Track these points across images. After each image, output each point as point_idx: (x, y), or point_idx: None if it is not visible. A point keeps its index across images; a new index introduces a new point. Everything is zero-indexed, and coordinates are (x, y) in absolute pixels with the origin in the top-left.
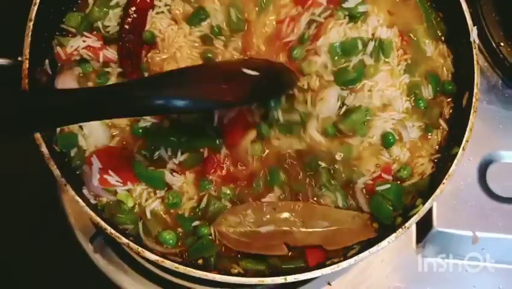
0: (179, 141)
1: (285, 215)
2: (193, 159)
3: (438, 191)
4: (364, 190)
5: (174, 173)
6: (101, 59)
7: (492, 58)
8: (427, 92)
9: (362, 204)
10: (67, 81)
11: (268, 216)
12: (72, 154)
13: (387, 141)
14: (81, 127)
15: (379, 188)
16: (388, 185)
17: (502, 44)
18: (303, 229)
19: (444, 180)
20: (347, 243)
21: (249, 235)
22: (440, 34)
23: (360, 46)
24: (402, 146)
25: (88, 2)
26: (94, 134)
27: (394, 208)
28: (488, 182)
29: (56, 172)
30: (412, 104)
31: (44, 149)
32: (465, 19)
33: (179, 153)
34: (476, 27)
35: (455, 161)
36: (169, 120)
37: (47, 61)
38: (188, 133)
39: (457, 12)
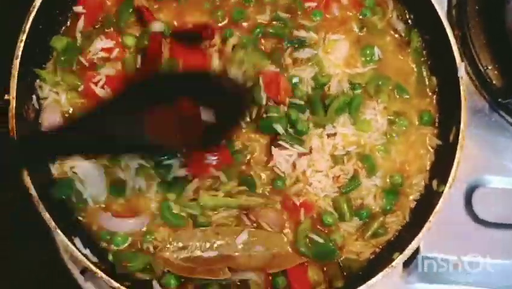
0: None
1: (227, 240)
2: None
3: (424, 229)
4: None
5: None
6: None
7: (479, 81)
8: None
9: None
10: (52, 117)
11: (211, 242)
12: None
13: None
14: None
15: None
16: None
17: (489, 67)
18: (244, 253)
19: (430, 218)
20: (287, 266)
21: (192, 260)
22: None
23: None
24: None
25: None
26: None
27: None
28: (474, 207)
29: (46, 215)
30: None
31: (33, 192)
32: (453, 54)
33: None
34: (464, 63)
35: (441, 199)
36: None
37: (34, 97)
38: None
39: (444, 46)
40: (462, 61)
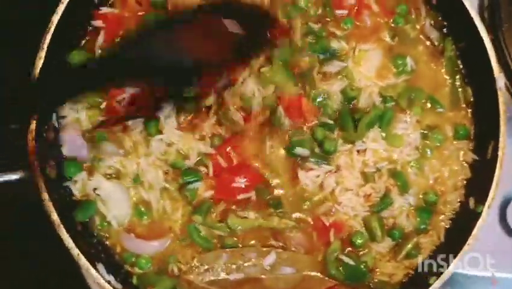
0: None
1: (254, 262)
2: None
3: (462, 253)
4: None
5: None
6: None
7: None
8: None
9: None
10: (72, 136)
11: (237, 263)
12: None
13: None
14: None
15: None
16: None
17: None
18: (272, 276)
19: (469, 241)
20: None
21: (218, 283)
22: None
23: None
24: None
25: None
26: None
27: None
28: (508, 220)
29: (70, 244)
30: None
31: (54, 217)
32: (490, 63)
33: None
34: (502, 74)
35: (480, 220)
36: None
37: (54, 115)
38: None
39: (480, 54)
40: (501, 71)
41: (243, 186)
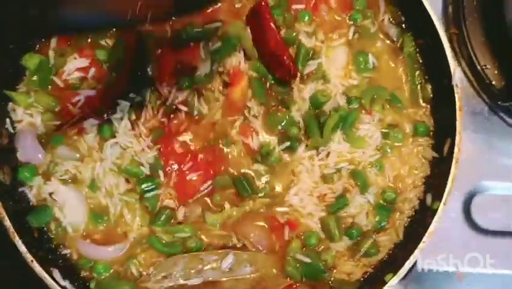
0: None
1: (213, 265)
2: None
3: (417, 251)
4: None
5: None
6: None
7: (477, 82)
8: None
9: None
10: (27, 140)
11: (195, 268)
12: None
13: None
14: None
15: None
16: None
17: (488, 66)
18: (231, 277)
19: (424, 239)
20: (276, 288)
21: None
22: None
23: None
24: None
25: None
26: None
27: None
28: (472, 215)
29: (23, 249)
30: None
31: (7, 223)
32: (447, 59)
33: None
34: (459, 68)
35: (435, 217)
36: None
37: (8, 120)
38: None
39: (438, 51)
40: (459, 65)
41: (195, 178)
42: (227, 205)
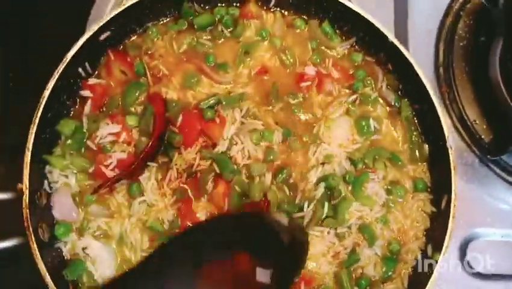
0: None
1: None
2: None
3: None
4: None
5: None
6: None
7: (468, 136)
8: None
9: None
10: (63, 199)
11: None
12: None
13: None
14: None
15: None
16: None
17: (477, 121)
18: None
19: (428, 286)
20: None
21: None
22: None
23: None
24: None
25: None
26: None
27: None
28: (469, 260)
29: None
30: None
31: (48, 279)
32: (441, 124)
33: None
34: (452, 134)
35: (436, 267)
36: None
37: (46, 182)
38: None
39: (433, 116)
40: (451, 120)
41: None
42: None
